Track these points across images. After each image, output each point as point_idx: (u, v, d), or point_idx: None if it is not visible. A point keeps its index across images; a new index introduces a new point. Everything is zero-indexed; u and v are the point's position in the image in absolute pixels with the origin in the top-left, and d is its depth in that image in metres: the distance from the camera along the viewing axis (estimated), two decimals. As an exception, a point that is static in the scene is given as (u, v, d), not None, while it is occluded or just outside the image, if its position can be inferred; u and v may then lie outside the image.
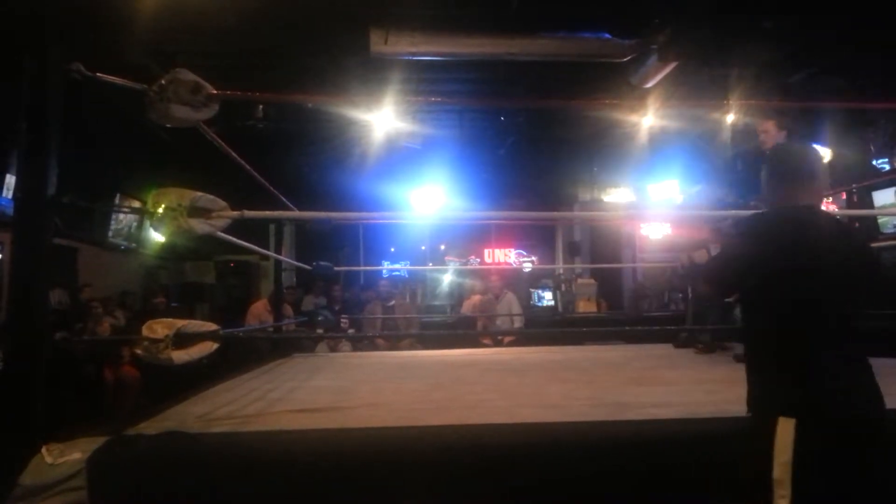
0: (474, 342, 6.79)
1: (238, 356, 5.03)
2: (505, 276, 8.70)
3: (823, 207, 2.10)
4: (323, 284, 8.33)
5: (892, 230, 8.45)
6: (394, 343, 6.84)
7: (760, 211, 2.21)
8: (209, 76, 2.38)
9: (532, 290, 11.11)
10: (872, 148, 8.62)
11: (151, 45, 5.96)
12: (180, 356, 2.18)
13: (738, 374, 3.58)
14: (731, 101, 7.17)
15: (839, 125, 8.61)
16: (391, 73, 6.62)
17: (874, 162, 8.60)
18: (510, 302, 8.11)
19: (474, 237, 12.44)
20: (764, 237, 1.89)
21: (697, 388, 3.04)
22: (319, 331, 6.97)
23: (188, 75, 2.31)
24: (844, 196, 8.45)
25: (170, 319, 2.22)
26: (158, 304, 7.56)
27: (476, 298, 8.40)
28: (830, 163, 9.17)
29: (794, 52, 6.68)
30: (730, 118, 8.21)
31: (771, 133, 4.22)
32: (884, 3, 5.58)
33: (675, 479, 1.96)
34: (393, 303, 8.00)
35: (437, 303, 11.86)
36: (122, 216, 9.46)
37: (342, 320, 7.28)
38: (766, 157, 2.21)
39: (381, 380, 3.71)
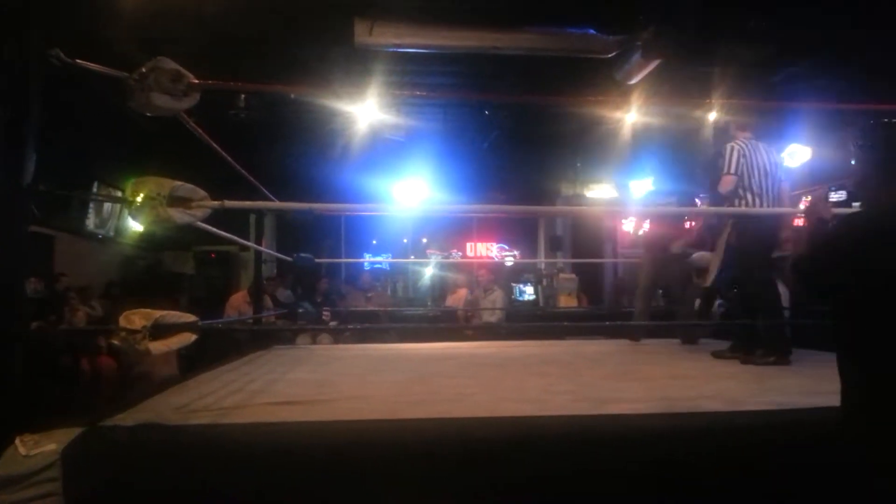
0: (458, 335, 6.81)
1: (217, 348, 5.00)
2: (494, 272, 8.70)
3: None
4: (292, 277, 8.29)
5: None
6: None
7: (870, 208, 1.97)
8: (191, 65, 2.35)
9: (514, 285, 11.13)
10: (852, 148, 8.72)
11: (132, 32, 5.87)
12: (158, 347, 2.16)
13: (716, 369, 3.64)
14: (713, 100, 7.22)
15: (819, 125, 8.70)
16: (375, 64, 6.59)
17: (854, 162, 8.70)
18: (495, 300, 8.12)
19: (456, 231, 12.46)
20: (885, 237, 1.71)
21: (675, 383, 3.07)
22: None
23: (169, 64, 2.29)
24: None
25: (148, 310, 2.19)
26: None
27: (462, 292, 8.40)
28: (811, 162, 9.31)
29: (777, 52, 6.74)
30: (712, 116, 8.28)
31: (737, 135, 4.25)
32: (865, 4, 5.64)
33: (652, 474, 1.97)
34: (371, 294, 7.99)
35: (418, 296, 11.87)
36: (104, 206, 9.35)
37: (324, 313, 7.26)
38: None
39: (361, 372, 3.70)
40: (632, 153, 9.82)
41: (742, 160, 4.04)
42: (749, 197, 4.07)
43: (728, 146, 4.12)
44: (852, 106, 4.24)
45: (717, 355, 4.13)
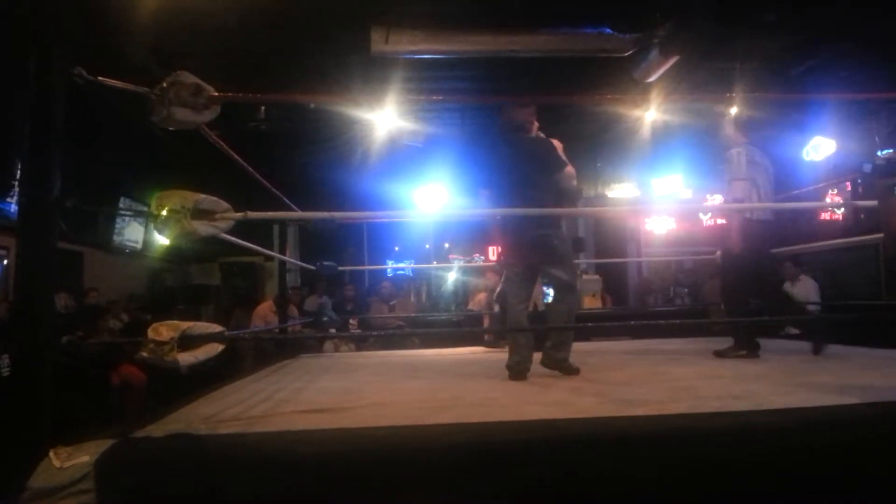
0: (480, 340, 6.77)
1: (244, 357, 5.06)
2: (499, 273, 8.65)
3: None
4: (326, 284, 8.34)
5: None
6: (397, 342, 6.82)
7: None
8: (210, 78, 2.38)
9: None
10: (877, 138, 8.61)
11: (152, 47, 5.97)
12: (185, 358, 2.18)
13: (744, 369, 3.59)
14: (733, 95, 7.14)
15: (843, 116, 8.56)
16: (393, 71, 6.62)
17: (879, 153, 8.59)
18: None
19: (479, 235, 12.44)
20: None
21: (703, 383, 3.04)
22: (332, 330, 6.98)
23: (189, 77, 2.31)
24: (850, 187, 8.45)
25: (175, 322, 2.22)
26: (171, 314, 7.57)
27: (483, 296, 8.38)
28: (835, 154, 9.17)
29: (797, 44, 6.65)
30: (733, 111, 8.19)
31: (732, 137, 4.43)
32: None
33: (682, 475, 1.95)
34: (394, 302, 8.00)
35: (442, 301, 11.86)
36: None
37: (351, 322, 7.29)
38: None
39: (386, 379, 3.71)
40: (652, 151, 9.76)
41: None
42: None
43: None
44: (873, 95, 4.17)
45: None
